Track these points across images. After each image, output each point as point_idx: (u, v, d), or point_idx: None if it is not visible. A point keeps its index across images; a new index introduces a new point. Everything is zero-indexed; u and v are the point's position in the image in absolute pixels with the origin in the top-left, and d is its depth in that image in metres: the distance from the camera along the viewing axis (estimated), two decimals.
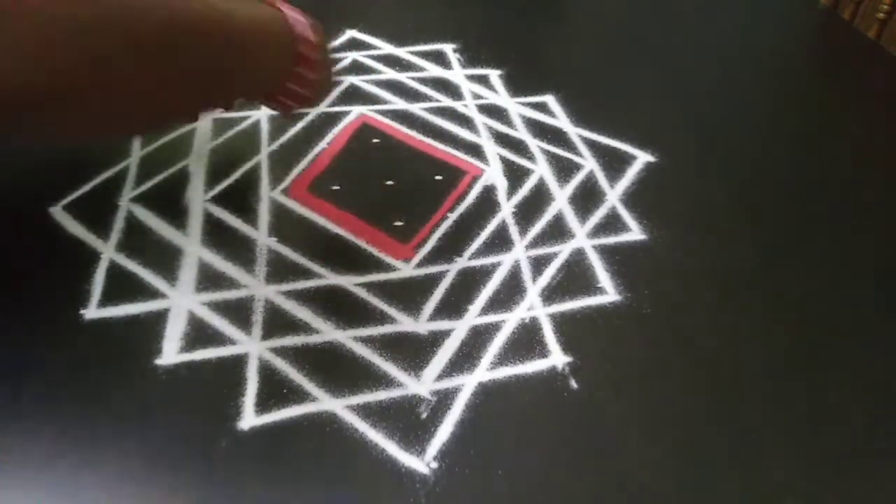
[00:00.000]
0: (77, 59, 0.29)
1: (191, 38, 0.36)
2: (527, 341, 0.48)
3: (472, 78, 0.71)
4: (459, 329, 0.49)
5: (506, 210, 0.58)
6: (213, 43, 0.38)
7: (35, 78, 0.27)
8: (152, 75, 0.34)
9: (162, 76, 0.35)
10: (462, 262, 0.53)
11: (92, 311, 0.47)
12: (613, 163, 0.63)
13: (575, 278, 0.52)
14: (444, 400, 0.45)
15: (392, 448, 0.42)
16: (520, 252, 0.54)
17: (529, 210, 0.58)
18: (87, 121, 0.33)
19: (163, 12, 0.34)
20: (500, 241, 0.55)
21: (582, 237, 0.56)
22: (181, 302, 0.48)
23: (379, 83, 0.69)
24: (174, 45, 0.35)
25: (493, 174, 0.61)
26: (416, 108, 0.67)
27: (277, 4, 0.46)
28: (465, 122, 0.66)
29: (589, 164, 0.62)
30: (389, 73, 0.70)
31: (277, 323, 0.48)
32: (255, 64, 0.44)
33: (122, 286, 0.49)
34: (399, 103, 0.67)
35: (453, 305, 0.50)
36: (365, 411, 0.44)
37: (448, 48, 0.74)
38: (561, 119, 0.67)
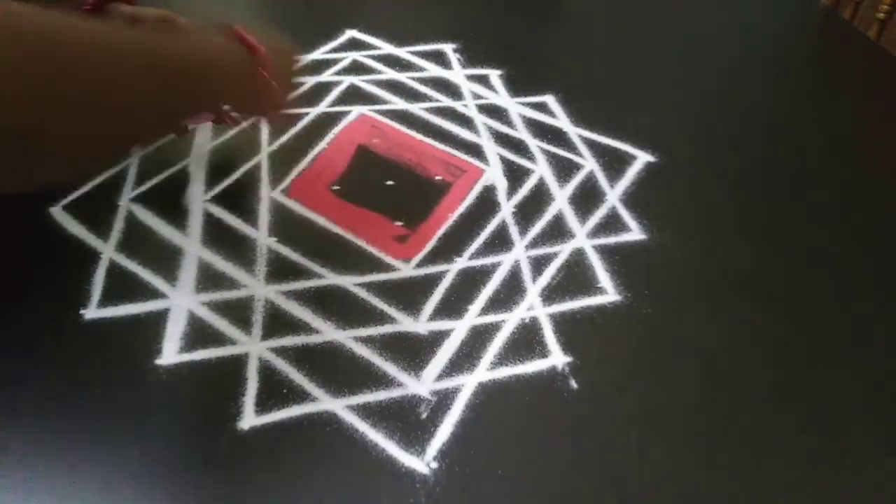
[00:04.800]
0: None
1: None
2: (527, 341, 0.48)
3: (472, 78, 0.71)
4: (459, 329, 0.49)
5: (506, 210, 0.58)
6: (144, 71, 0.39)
7: None
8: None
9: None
10: (462, 262, 0.53)
11: (92, 311, 0.47)
12: (613, 163, 0.63)
13: (575, 278, 0.52)
14: (444, 400, 0.45)
15: (392, 448, 0.42)
16: (520, 252, 0.54)
17: (529, 210, 0.58)
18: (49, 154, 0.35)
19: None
20: (500, 241, 0.55)
21: (582, 237, 0.56)
22: (181, 302, 0.48)
23: (379, 83, 0.69)
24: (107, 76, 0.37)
25: (493, 174, 0.61)
26: (416, 108, 0.67)
27: (236, 31, 0.48)
28: (465, 122, 0.66)
29: (589, 164, 0.62)
30: (389, 73, 0.70)
31: (277, 323, 0.48)
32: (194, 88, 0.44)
33: (122, 286, 0.49)
34: (399, 103, 0.67)
35: (453, 305, 0.50)
36: (365, 411, 0.44)
37: (448, 48, 0.74)
38: (561, 119, 0.67)
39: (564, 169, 0.62)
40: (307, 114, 0.64)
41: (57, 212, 0.53)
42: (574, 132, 0.66)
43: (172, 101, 0.42)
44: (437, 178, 0.60)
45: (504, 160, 0.62)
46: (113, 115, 0.38)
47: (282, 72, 0.51)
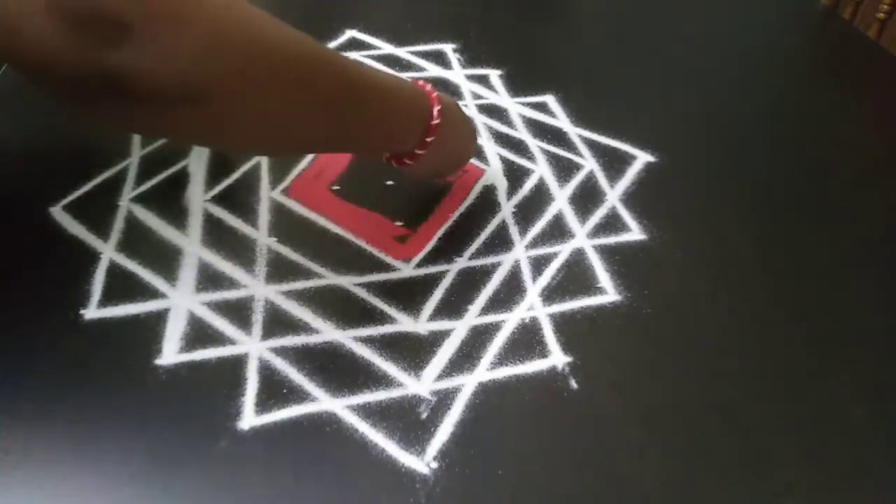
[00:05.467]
0: (226, 70, 0.33)
1: (327, 74, 0.40)
2: (527, 341, 0.48)
3: (472, 78, 0.71)
4: (459, 329, 0.49)
5: (506, 210, 0.58)
6: (342, 86, 0.41)
7: (195, 79, 0.32)
8: (286, 100, 0.38)
9: (295, 103, 0.38)
10: (462, 262, 0.53)
11: (92, 311, 0.47)
12: (613, 163, 0.63)
13: (575, 278, 0.52)
14: (444, 400, 0.45)
15: (392, 448, 0.42)
16: (520, 252, 0.54)
17: (529, 210, 0.58)
18: (230, 126, 0.37)
19: (302, 48, 0.39)
20: (500, 241, 0.55)
21: (582, 237, 0.56)
22: (181, 302, 0.48)
23: None
24: (311, 79, 0.39)
25: (493, 174, 0.61)
26: None
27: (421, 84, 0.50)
28: None
29: (589, 164, 0.62)
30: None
31: (277, 323, 0.48)
32: (383, 122, 0.46)
33: (122, 286, 0.49)
34: None
35: (453, 305, 0.50)
36: (365, 411, 0.44)
37: (448, 48, 0.74)
38: (561, 119, 0.67)
39: (564, 169, 0.62)
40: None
41: (57, 212, 0.53)
42: (574, 132, 0.66)
43: (334, 116, 0.44)
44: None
45: (504, 160, 0.62)
46: (284, 112, 0.39)
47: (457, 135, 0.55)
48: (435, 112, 0.48)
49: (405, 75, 0.70)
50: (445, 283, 0.51)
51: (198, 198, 0.56)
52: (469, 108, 0.67)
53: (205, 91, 0.33)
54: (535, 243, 0.55)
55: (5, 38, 0.31)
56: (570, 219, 0.57)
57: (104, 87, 0.31)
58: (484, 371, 0.46)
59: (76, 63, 0.30)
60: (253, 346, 0.46)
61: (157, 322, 0.47)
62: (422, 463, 0.41)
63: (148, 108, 0.32)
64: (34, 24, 0.29)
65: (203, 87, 0.32)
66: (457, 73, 0.71)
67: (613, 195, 0.60)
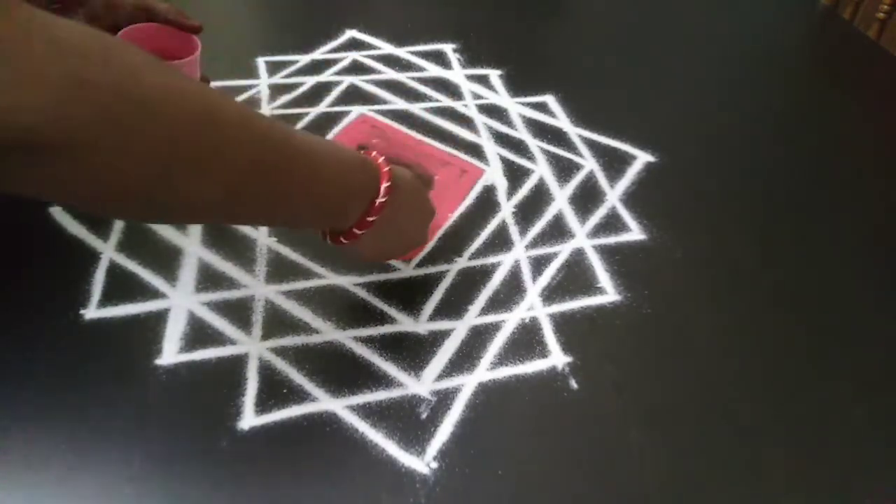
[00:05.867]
0: (87, 118, 0.29)
1: (222, 133, 0.34)
2: (527, 341, 0.48)
3: (472, 78, 0.71)
4: (459, 329, 0.49)
5: (506, 210, 0.58)
6: (248, 148, 0.36)
7: (45, 128, 0.28)
8: (162, 153, 0.32)
9: (177, 159, 0.33)
10: (462, 262, 0.53)
11: (92, 311, 0.47)
12: (613, 163, 0.63)
13: (575, 278, 0.52)
14: (444, 400, 0.45)
15: (392, 448, 0.42)
16: (520, 252, 0.54)
17: (529, 210, 0.58)
18: (91, 183, 0.32)
19: (196, 104, 0.33)
20: (500, 241, 0.55)
21: (582, 237, 0.56)
22: (181, 302, 0.48)
23: (379, 83, 0.69)
24: (196, 136, 0.33)
25: (494, 174, 0.61)
26: (416, 108, 0.67)
27: (373, 156, 0.44)
28: (466, 122, 0.66)
29: (589, 164, 0.62)
30: (389, 73, 0.70)
31: (277, 323, 0.48)
32: (308, 194, 0.40)
33: (122, 286, 0.49)
34: (399, 103, 0.67)
35: (453, 305, 0.50)
36: (365, 411, 0.44)
37: (448, 48, 0.74)
38: (561, 119, 0.67)
39: (564, 169, 0.62)
40: (307, 110, 0.65)
41: (57, 212, 0.53)
42: (574, 132, 0.66)
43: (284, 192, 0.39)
44: (437, 178, 0.60)
45: (504, 160, 0.62)
46: (227, 194, 0.35)
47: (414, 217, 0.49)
48: (382, 188, 0.42)
49: (405, 75, 0.71)
50: (445, 283, 0.51)
51: None
52: (469, 108, 0.67)
53: (64, 138, 0.28)
54: (535, 243, 0.55)
55: None
56: (570, 219, 0.57)
57: None
58: (484, 371, 0.46)
59: None
60: (253, 346, 0.46)
61: (157, 322, 0.47)
62: (422, 463, 0.41)
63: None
64: None
65: (62, 133, 0.28)
66: (457, 73, 0.71)
67: (613, 195, 0.60)
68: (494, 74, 0.71)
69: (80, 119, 0.29)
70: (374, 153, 0.44)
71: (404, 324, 0.49)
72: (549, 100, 0.69)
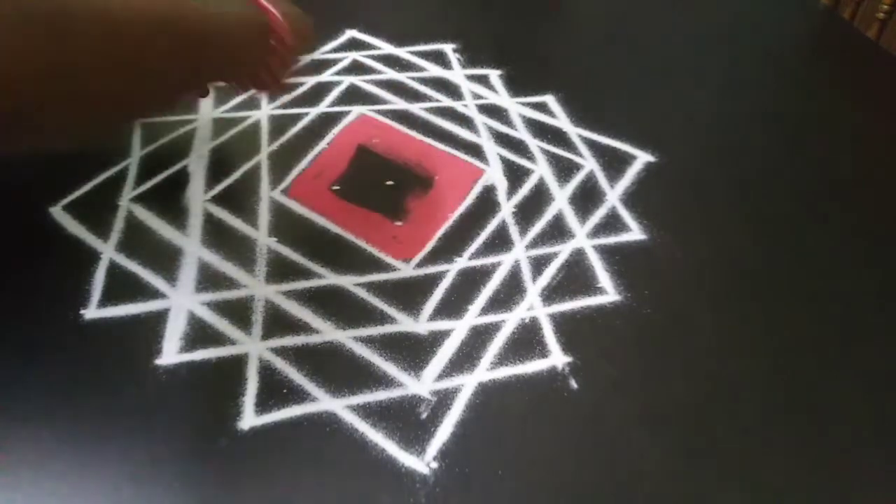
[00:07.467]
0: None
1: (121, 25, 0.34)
2: (527, 341, 0.48)
3: (472, 78, 0.71)
4: (459, 329, 0.49)
5: (506, 210, 0.58)
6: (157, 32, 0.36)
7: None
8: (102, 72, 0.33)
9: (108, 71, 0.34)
10: (462, 262, 0.53)
11: (92, 311, 0.47)
12: (613, 163, 0.63)
13: (575, 278, 0.52)
14: (444, 400, 0.45)
15: (392, 448, 0.42)
16: (520, 252, 0.54)
17: (529, 210, 0.58)
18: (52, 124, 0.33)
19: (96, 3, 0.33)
20: (500, 241, 0.55)
21: (582, 237, 0.56)
22: (181, 302, 0.48)
23: (379, 83, 0.69)
24: (107, 35, 0.33)
25: (493, 174, 0.61)
26: (416, 108, 0.67)
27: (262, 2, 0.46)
28: (465, 122, 0.66)
29: (589, 164, 0.62)
30: (389, 73, 0.70)
31: (277, 323, 0.48)
32: (221, 55, 0.43)
33: (122, 286, 0.49)
34: (399, 103, 0.67)
35: (453, 305, 0.50)
36: (365, 411, 0.44)
37: (448, 48, 0.74)
38: (561, 119, 0.67)
39: (564, 169, 0.62)
40: (307, 110, 0.65)
41: (57, 212, 0.53)
42: (574, 132, 0.66)
43: (185, 65, 0.40)
44: (437, 178, 0.60)
45: (504, 160, 0.62)
46: (122, 81, 0.35)
47: (294, 38, 0.49)
48: None
49: (405, 75, 0.71)
50: (445, 283, 0.51)
51: (198, 198, 0.56)
52: (469, 108, 0.67)
53: None
54: (535, 243, 0.55)
55: None
56: (570, 219, 0.57)
57: None
58: (484, 371, 0.46)
59: None
60: (253, 346, 0.46)
61: (157, 322, 0.47)
62: (422, 463, 0.41)
63: None
64: None
65: None
66: (457, 73, 0.71)
67: (613, 195, 0.60)
68: (494, 74, 0.71)
69: None
70: None
71: (404, 324, 0.49)
72: (549, 100, 0.69)
